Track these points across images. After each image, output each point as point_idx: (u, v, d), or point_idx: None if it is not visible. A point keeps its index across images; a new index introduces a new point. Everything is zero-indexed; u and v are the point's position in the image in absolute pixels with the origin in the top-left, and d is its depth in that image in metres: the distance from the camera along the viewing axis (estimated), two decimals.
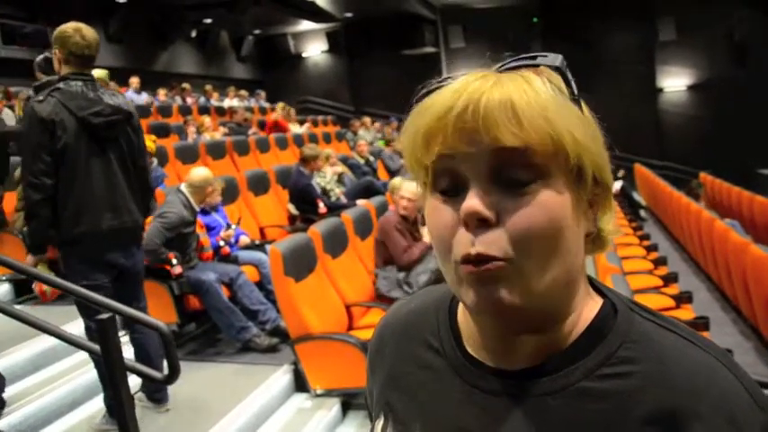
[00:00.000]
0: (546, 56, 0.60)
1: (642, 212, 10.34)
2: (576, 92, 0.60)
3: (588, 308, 0.64)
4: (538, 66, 0.60)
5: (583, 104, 0.61)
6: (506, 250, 0.56)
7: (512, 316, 0.58)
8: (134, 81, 11.15)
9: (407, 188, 4.65)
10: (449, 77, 0.61)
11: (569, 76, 0.60)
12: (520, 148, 0.55)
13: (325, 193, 6.63)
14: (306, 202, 6.37)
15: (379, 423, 0.74)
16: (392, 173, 8.29)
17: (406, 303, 0.80)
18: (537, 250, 0.56)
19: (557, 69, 0.59)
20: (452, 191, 0.59)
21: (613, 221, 0.65)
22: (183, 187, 4.42)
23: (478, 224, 0.56)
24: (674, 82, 15.86)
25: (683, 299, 4.22)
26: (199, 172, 4.54)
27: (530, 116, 0.55)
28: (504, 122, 0.55)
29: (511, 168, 0.56)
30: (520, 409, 0.61)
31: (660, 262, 5.47)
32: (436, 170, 0.59)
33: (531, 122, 0.55)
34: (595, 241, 0.64)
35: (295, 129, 10.89)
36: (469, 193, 0.57)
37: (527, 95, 0.56)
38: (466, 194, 0.57)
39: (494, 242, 0.56)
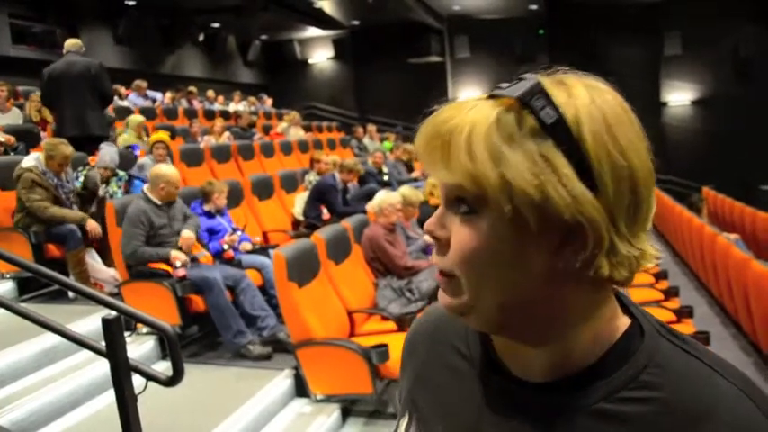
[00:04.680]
0: (516, 83, 0.59)
1: None
2: (548, 122, 0.56)
3: (612, 327, 0.63)
4: (501, 96, 0.58)
5: (581, 135, 0.56)
6: (449, 267, 0.61)
7: (468, 321, 0.64)
8: (141, 85, 11.14)
9: (394, 199, 4.81)
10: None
11: (537, 105, 0.56)
12: (451, 183, 0.59)
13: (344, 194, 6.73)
14: (321, 202, 6.48)
15: (404, 421, 0.76)
16: (392, 183, 8.29)
17: (440, 306, 0.83)
18: (468, 272, 0.60)
19: (517, 100, 0.57)
20: None
21: (610, 265, 0.57)
22: (144, 186, 4.64)
23: (435, 241, 0.63)
24: (679, 96, 15.90)
25: (684, 313, 4.23)
26: (155, 168, 4.69)
27: (458, 154, 0.57)
28: (439, 159, 0.59)
29: (454, 197, 0.60)
30: (537, 422, 0.62)
31: (661, 276, 5.48)
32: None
33: (457, 161, 0.57)
34: (595, 281, 0.58)
35: (298, 135, 10.90)
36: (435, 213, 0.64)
37: (464, 131, 0.57)
38: None
39: (441, 258, 0.62)
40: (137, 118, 7.85)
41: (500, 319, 0.61)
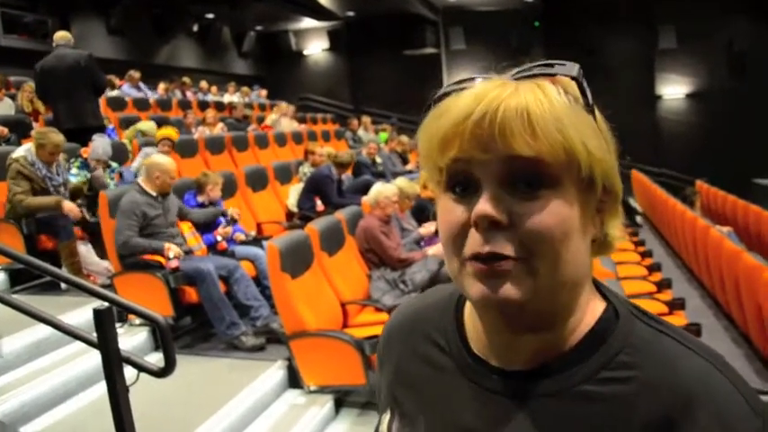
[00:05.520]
0: (564, 64, 0.61)
1: (638, 218, 10.38)
2: (591, 101, 0.61)
3: (591, 311, 0.65)
4: (554, 75, 0.60)
5: (597, 113, 0.62)
6: (516, 250, 0.58)
7: (514, 311, 0.60)
8: (134, 75, 11.01)
9: (391, 191, 4.75)
10: (466, 80, 0.62)
11: (585, 85, 0.61)
12: (533, 157, 0.57)
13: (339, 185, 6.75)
14: (316, 193, 6.48)
15: (386, 417, 0.76)
16: (386, 175, 8.28)
17: (415, 301, 0.82)
18: (545, 253, 0.58)
19: (573, 79, 0.60)
20: (465, 191, 0.61)
21: (619, 227, 0.66)
22: (139, 178, 4.55)
23: (489, 226, 0.58)
24: (673, 90, 15.91)
25: (676, 305, 4.25)
26: (150, 158, 4.62)
27: (544, 127, 0.56)
28: (520, 132, 0.56)
29: (523, 175, 0.58)
30: (521, 410, 0.63)
31: (654, 268, 5.51)
32: (450, 171, 0.61)
33: (545, 133, 0.56)
34: (601, 245, 0.66)
35: (291, 126, 10.84)
36: (482, 197, 0.58)
37: (543, 106, 0.57)
38: (478, 195, 0.59)
39: (504, 243, 0.58)
40: (150, 128, 7.29)
41: (545, 300, 0.60)
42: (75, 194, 5.06)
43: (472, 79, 0.62)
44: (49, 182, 4.75)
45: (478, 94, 0.59)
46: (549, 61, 0.61)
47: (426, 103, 0.64)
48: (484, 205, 0.58)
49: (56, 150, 4.76)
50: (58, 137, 4.77)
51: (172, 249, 4.23)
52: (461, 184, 0.61)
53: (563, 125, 0.57)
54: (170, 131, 6.52)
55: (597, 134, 0.60)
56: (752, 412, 0.58)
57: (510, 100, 0.57)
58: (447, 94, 0.62)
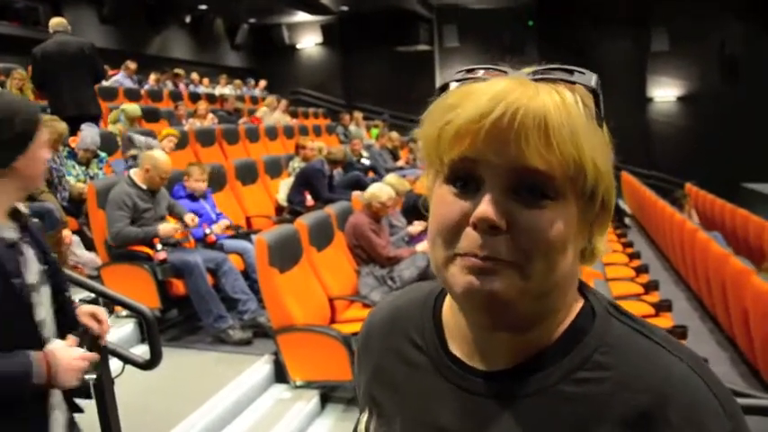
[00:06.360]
0: (583, 73, 0.60)
1: (627, 220, 10.43)
2: (602, 114, 0.60)
3: (570, 310, 0.65)
4: (574, 83, 0.60)
5: (604, 125, 0.62)
6: (513, 256, 0.58)
7: (499, 308, 0.59)
8: (130, 66, 10.86)
9: (386, 197, 4.70)
10: (473, 69, 0.62)
11: (601, 98, 0.60)
12: (543, 169, 0.56)
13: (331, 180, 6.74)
14: (306, 187, 6.47)
15: (364, 417, 0.75)
16: (378, 171, 8.26)
17: (394, 299, 0.81)
18: (540, 261, 0.58)
19: (592, 91, 0.60)
20: (465, 187, 0.60)
21: (605, 241, 0.66)
22: (132, 170, 4.52)
23: (489, 230, 0.58)
24: (665, 92, 16.00)
25: (663, 307, 4.27)
26: (150, 152, 4.58)
27: (560, 140, 0.56)
28: (535, 142, 0.56)
29: (530, 184, 0.58)
30: (498, 410, 0.63)
31: (642, 270, 5.53)
32: (454, 165, 0.60)
33: (560, 146, 0.56)
34: (585, 256, 0.65)
35: (284, 120, 10.80)
36: (485, 199, 0.58)
37: (561, 116, 0.56)
38: (479, 194, 0.58)
39: (502, 247, 0.58)
40: (134, 110, 7.30)
41: (531, 303, 0.60)
42: (72, 199, 4.99)
43: (476, 69, 0.61)
44: (56, 173, 4.70)
45: (499, 92, 0.57)
46: (568, 67, 0.60)
47: (437, 89, 0.63)
48: (487, 208, 0.57)
49: (59, 139, 4.70)
50: (61, 125, 4.71)
51: (169, 231, 4.24)
52: (462, 179, 0.60)
53: (578, 139, 0.57)
54: (173, 131, 6.57)
55: (605, 149, 0.61)
56: (724, 413, 0.58)
57: (530, 105, 0.56)
58: (457, 82, 0.61)
